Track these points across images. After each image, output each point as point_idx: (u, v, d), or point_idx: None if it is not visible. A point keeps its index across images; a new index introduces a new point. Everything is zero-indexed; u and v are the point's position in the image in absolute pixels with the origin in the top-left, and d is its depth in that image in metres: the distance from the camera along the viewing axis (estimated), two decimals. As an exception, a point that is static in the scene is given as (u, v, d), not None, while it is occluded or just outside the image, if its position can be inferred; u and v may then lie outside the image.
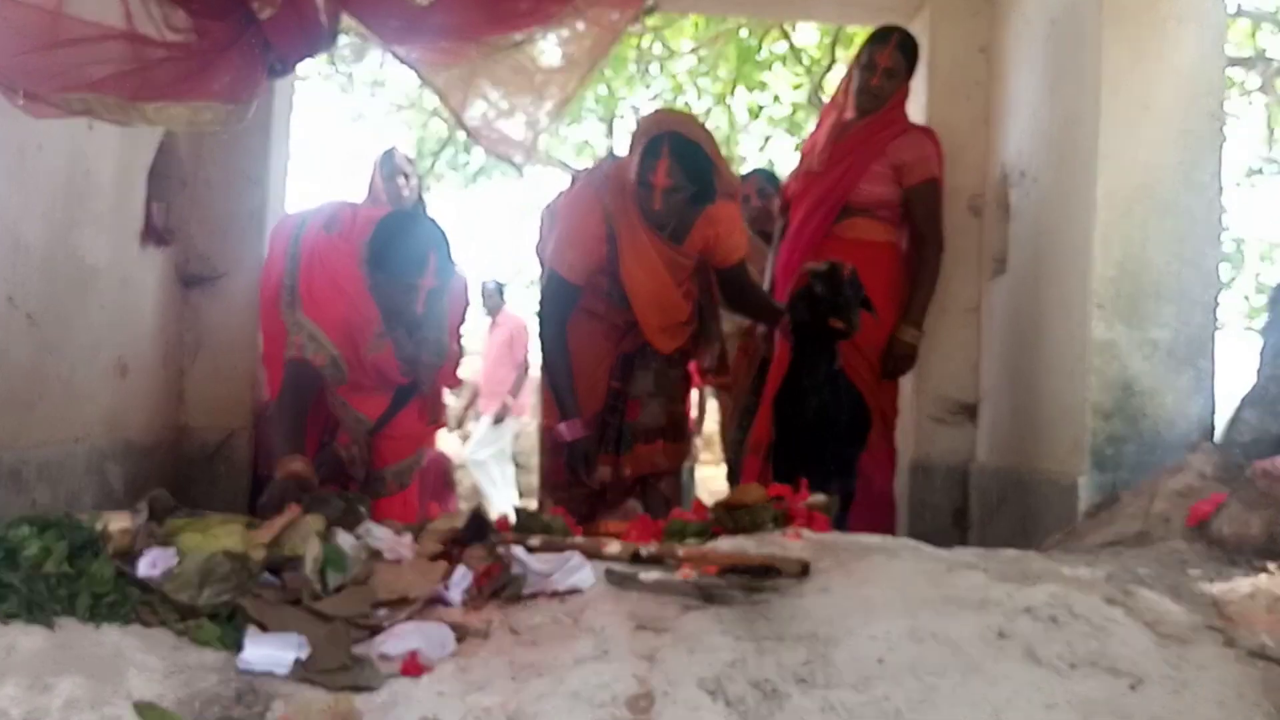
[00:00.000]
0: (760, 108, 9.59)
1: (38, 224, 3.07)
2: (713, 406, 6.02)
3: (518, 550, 2.35)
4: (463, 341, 3.76)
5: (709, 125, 4.34)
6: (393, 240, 3.24)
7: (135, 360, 3.76)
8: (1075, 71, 3.48)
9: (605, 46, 3.30)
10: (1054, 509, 3.32)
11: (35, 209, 3.06)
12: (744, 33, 8.57)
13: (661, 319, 3.64)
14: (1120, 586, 2.21)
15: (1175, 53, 3.24)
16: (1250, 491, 2.52)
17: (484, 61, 3.20)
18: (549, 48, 3.31)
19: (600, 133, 12.01)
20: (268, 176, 4.35)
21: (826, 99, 8.06)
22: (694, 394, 4.84)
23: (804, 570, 2.26)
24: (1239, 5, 7.79)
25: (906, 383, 4.16)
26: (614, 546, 2.45)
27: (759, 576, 2.25)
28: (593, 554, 2.41)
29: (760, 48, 8.64)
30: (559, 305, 3.64)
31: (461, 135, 10.32)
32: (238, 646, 1.95)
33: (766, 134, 9.98)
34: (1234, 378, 3.16)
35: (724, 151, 3.99)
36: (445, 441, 7.41)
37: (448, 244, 3.29)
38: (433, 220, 3.35)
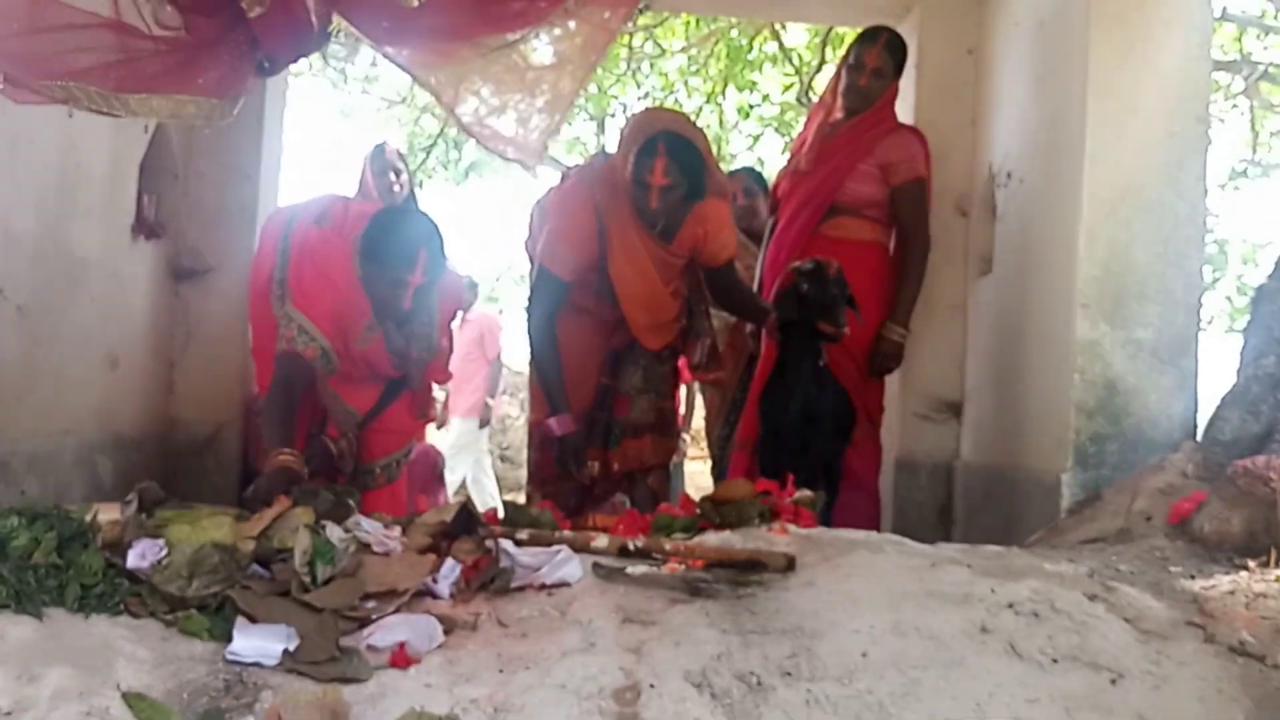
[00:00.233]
0: (750, 107, 9.59)
1: (29, 216, 3.07)
2: (700, 402, 6.02)
3: (506, 543, 2.36)
4: (453, 337, 3.76)
5: (699, 124, 4.35)
6: (385, 234, 3.25)
7: (125, 353, 3.76)
8: (1062, 74, 3.50)
9: (599, 45, 3.30)
10: (1037, 506, 3.34)
11: (26, 201, 3.06)
12: (734, 32, 8.58)
13: (650, 318, 3.65)
14: (1102, 583, 2.23)
15: (1161, 56, 3.26)
16: (1231, 490, 2.54)
17: (476, 60, 3.20)
18: (541, 46, 3.32)
19: (591, 130, 12.01)
20: (259, 171, 4.35)
21: (816, 99, 8.11)
22: (682, 390, 4.86)
23: (789, 565, 2.28)
24: (1224, 9, 7.83)
25: (892, 380, 4.18)
26: (602, 540, 2.47)
27: (745, 571, 2.27)
28: (581, 548, 2.42)
29: (751, 47, 8.65)
30: (548, 301, 3.65)
31: (453, 131, 10.33)
32: (227, 638, 1.96)
33: (756, 133, 9.99)
34: (1216, 378, 3.19)
35: (714, 151, 4.00)
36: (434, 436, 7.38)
37: (440, 241, 3.30)
38: (427, 217, 3.36)
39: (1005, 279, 3.97)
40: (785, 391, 3.65)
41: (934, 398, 4.36)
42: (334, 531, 2.33)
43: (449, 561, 2.31)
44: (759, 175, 5.13)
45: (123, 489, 2.85)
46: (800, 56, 8.55)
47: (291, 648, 1.93)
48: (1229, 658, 1.96)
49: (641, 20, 7.54)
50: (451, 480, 7.95)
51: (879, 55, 4.01)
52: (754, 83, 9.18)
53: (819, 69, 8.06)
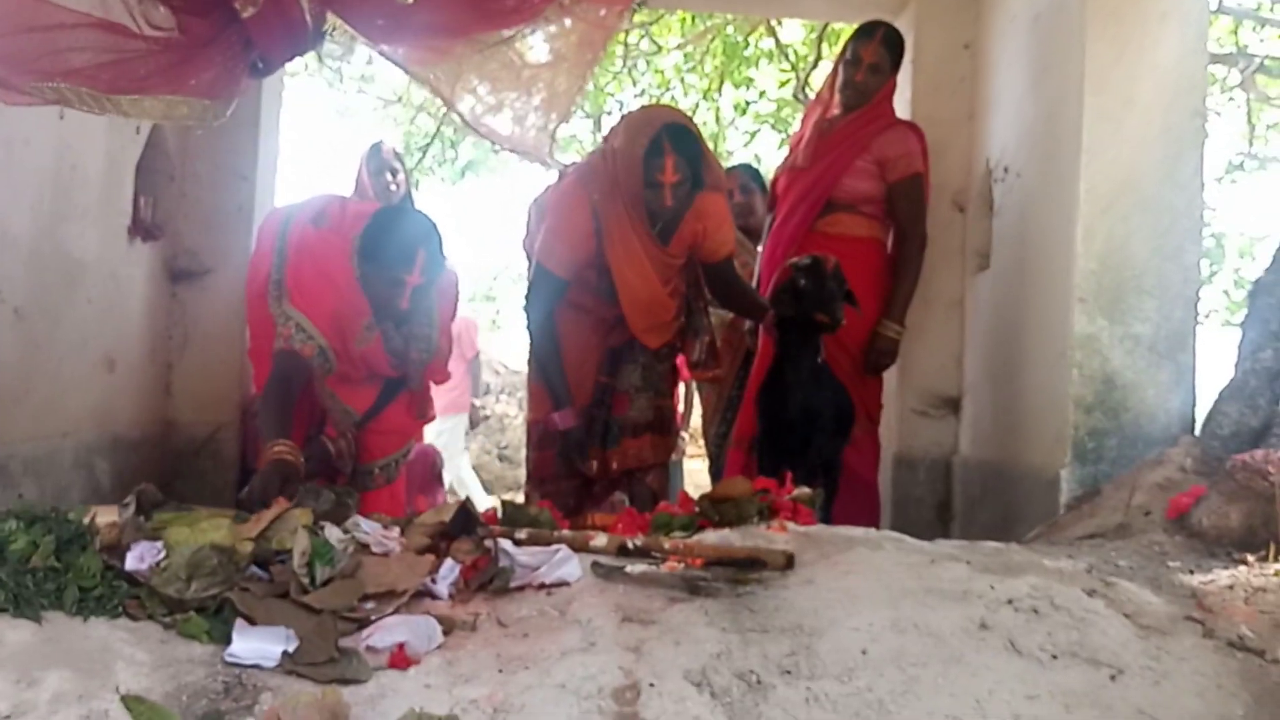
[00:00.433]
0: (747, 104, 9.58)
1: (24, 218, 3.07)
2: (697, 400, 6.02)
3: (505, 543, 2.36)
4: (452, 337, 3.75)
5: (695, 121, 4.34)
6: (384, 233, 3.25)
7: (123, 355, 3.76)
8: (1059, 68, 3.50)
9: (596, 43, 3.30)
10: (1036, 502, 3.35)
11: (22, 203, 3.05)
12: (731, 29, 8.58)
13: (649, 319, 3.65)
14: (1101, 578, 2.23)
15: (1158, 49, 3.26)
16: (1229, 484, 2.54)
17: (471, 58, 3.20)
18: (537, 44, 3.32)
19: (588, 128, 12.01)
20: (255, 171, 4.35)
21: (812, 95, 8.10)
22: (680, 388, 4.86)
23: (789, 563, 2.27)
24: (1220, 2, 7.81)
25: (890, 376, 4.18)
26: (601, 539, 2.46)
27: (744, 569, 2.27)
28: (580, 547, 2.42)
29: (747, 44, 8.65)
30: (546, 297, 3.65)
31: (449, 131, 10.33)
32: (226, 640, 1.96)
33: (753, 130, 9.98)
34: (1214, 372, 3.19)
35: (711, 148, 4.00)
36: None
37: (439, 241, 3.29)
38: (426, 217, 3.35)
39: (1003, 274, 3.97)
40: (784, 389, 3.65)
41: (932, 394, 4.36)
42: (333, 532, 2.32)
43: (448, 562, 2.31)
44: (756, 172, 5.13)
45: (121, 491, 2.86)
46: (796, 52, 8.55)
47: (290, 649, 1.92)
48: (1228, 652, 1.96)
49: (637, 17, 7.52)
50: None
51: (876, 51, 4.01)
52: (750, 79, 9.18)
53: (815, 65, 8.06)
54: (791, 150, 4.33)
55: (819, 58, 7.99)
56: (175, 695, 1.80)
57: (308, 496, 2.52)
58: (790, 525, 2.63)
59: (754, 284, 4.22)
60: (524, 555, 2.31)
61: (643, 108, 4.51)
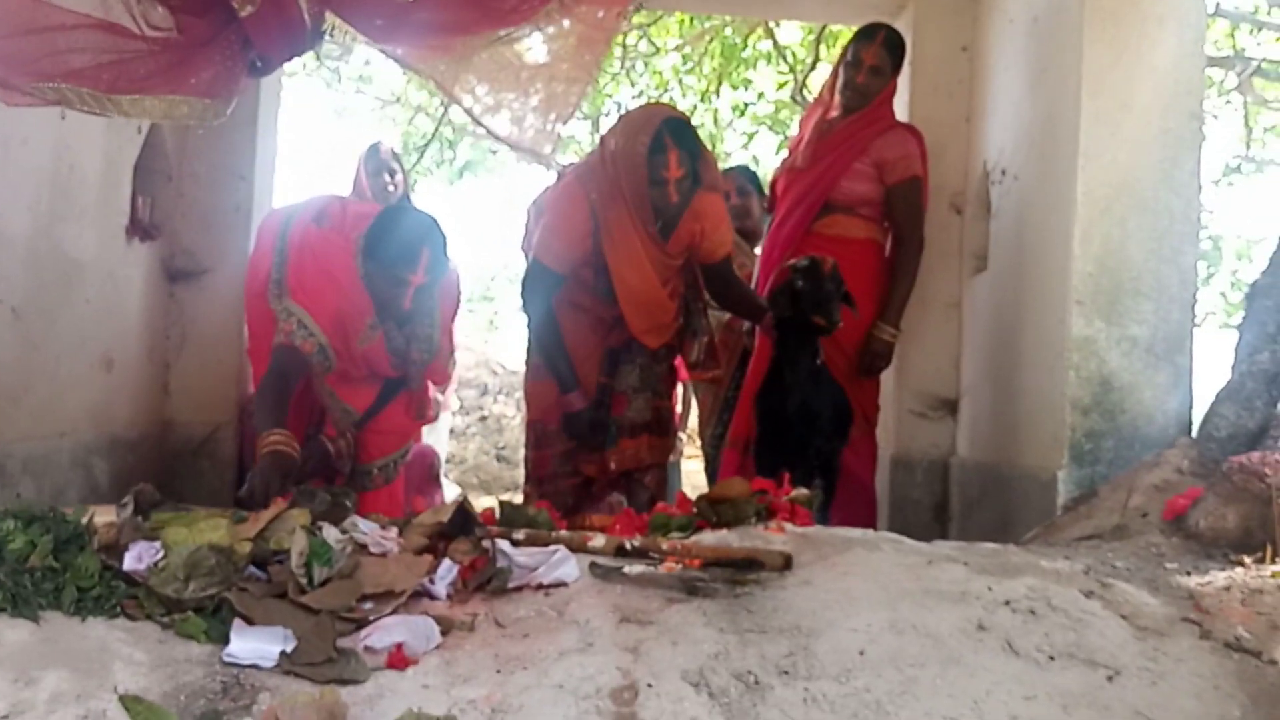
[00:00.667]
0: (745, 105, 9.59)
1: (22, 217, 3.07)
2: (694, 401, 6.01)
3: (503, 544, 2.36)
4: (454, 337, 3.76)
5: (693, 123, 4.34)
6: (389, 233, 3.25)
7: (121, 355, 3.76)
8: (1056, 70, 3.50)
9: (595, 45, 3.30)
10: (1033, 503, 3.35)
11: (20, 203, 3.05)
12: (729, 31, 8.58)
13: (648, 320, 3.65)
14: (1098, 579, 2.24)
15: (1155, 52, 3.26)
16: (1226, 486, 2.55)
17: (469, 57, 3.20)
18: (535, 45, 3.32)
19: (586, 129, 12.01)
20: (254, 171, 4.35)
21: (810, 97, 8.11)
22: (679, 389, 4.85)
23: (786, 563, 2.28)
24: (1218, 5, 7.83)
25: (888, 378, 4.18)
26: (599, 540, 2.46)
27: (742, 570, 2.27)
28: (578, 547, 2.42)
29: (745, 46, 8.65)
30: (542, 289, 3.66)
31: (448, 131, 10.32)
32: (224, 640, 1.96)
33: (751, 131, 9.98)
34: (1211, 374, 3.19)
35: (709, 149, 4.00)
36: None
37: (443, 242, 3.30)
38: (431, 217, 3.35)
39: (1000, 276, 3.97)
40: (782, 390, 3.65)
41: (930, 395, 4.37)
42: (331, 533, 2.32)
43: (446, 562, 2.31)
44: (752, 174, 5.13)
45: (119, 491, 2.86)
46: (794, 54, 8.55)
47: (289, 649, 1.93)
48: (1225, 653, 1.97)
49: (636, 18, 7.53)
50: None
51: (877, 53, 4.00)
52: (748, 81, 9.19)
53: (813, 67, 8.07)
54: (791, 151, 4.33)
55: (817, 59, 8.00)
56: (173, 695, 1.80)
57: (305, 497, 2.52)
58: (788, 526, 2.63)
59: (751, 285, 4.22)
60: (522, 556, 2.31)
61: (639, 107, 4.51)
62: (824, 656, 1.92)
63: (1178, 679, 1.88)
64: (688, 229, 3.59)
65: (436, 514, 2.51)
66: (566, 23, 3.25)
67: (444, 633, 2.05)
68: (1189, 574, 2.34)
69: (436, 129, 10.20)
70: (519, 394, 8.40)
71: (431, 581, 2.25)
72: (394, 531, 2.47)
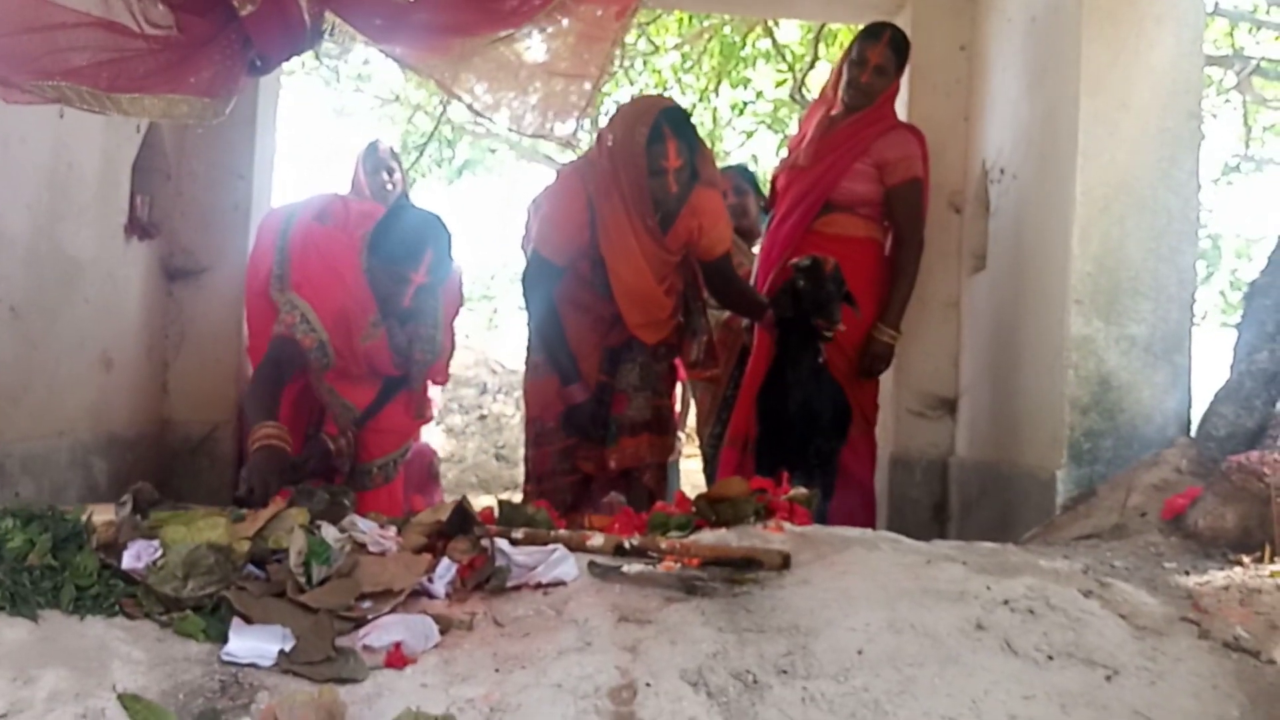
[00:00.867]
0: (744, 104, 9.60)
1: (21, 217, 3.07)
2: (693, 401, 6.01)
3: (502, 543, 2.36)
4: (455, 337, 3.75)
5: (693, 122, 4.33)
6: (395, 230, 3.25)
7: (119, 354, 3.76)
8: (1055, 70, 3.50)
9: (595, 45, 3.30)
10: (1032, 502, 3.35)
11: (19, 201, 3.05)
12: (728, 29, 8.59)
13: (644, 315, 3.65)
14: (1097, 579, 2.24)
15: (1154, 52, 3.26)
16: (1225, 485, 2.55)
17: (469, 57, 3.20)
18: (534, 43, 3.32)
19: (585, 128, 12.01)
20: (252, 170, 4.35)
21: (809, 96, 8.12)
22: (678, 388, 4.86)
23: (785, 563, 2.28)
24: (1216, 4, 7.83)
25: (887, 378, 4.18)
26: (597, 539, 2.46)
27: (741, 569, 2.27)
28: (576, 546, 2.42)
29: (744, 44, 8.65)
30: (543, 282, 3.67)
31: (446, 130, 10.32)
32: (222, 638, 1.96)
33: (750, 130, 9.99)
34: (1210, 373, 3.19)
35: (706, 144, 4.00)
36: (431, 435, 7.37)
37: (448, 242, 3.30)
38: (438, 218, 3.34)
39: (999, 275, 3.97)
40: (783, 389, 3.65)
41: (928, 394, 4.37)
42: (329, 532, 2.32)
43: (444, 561, 2.31)
44: (749, 173, 5.14)
45: (117, 490, 2.86)
46: (793, 53, 8.56)
47: (287, 648, 1.92)
48: (1224, 653, 1.96)
49: (635, 17, 7.53)
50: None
51: (882, 52, 3.99)
52: (747, 79, 9.19)
53: (812, 65, 8.08)
54: (792, 149, 4.31)
55: (816, 58, 8.01)
56: (172, 694, 1.80)
57: (303, 496, 2.52)
58: (787, 525, 2.63)
59: (750, 283, 4.22)
60: (521, 555, 2.31)
61: (636, 98, 4.51)
62: (822, 656, 1.92)
63: (1176, 678, 1.88)
64: (685, 225, 3.59)
65: (435, 513, 2.51)
66: (566, 22, 3.25)
67: (442, 632, 2.05)
68: (1188, 573, 2.34)
69: (435, 128, 10.20)
70: (518, 393, 8.39)
71: (430, 580, 2.25)
72: (393, 530, 2.47)
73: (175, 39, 2.74)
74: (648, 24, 8.46)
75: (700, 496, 2.80)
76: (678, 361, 3.99)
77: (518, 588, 2.26)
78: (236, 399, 4.26)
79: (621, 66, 9.18)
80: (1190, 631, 2.03)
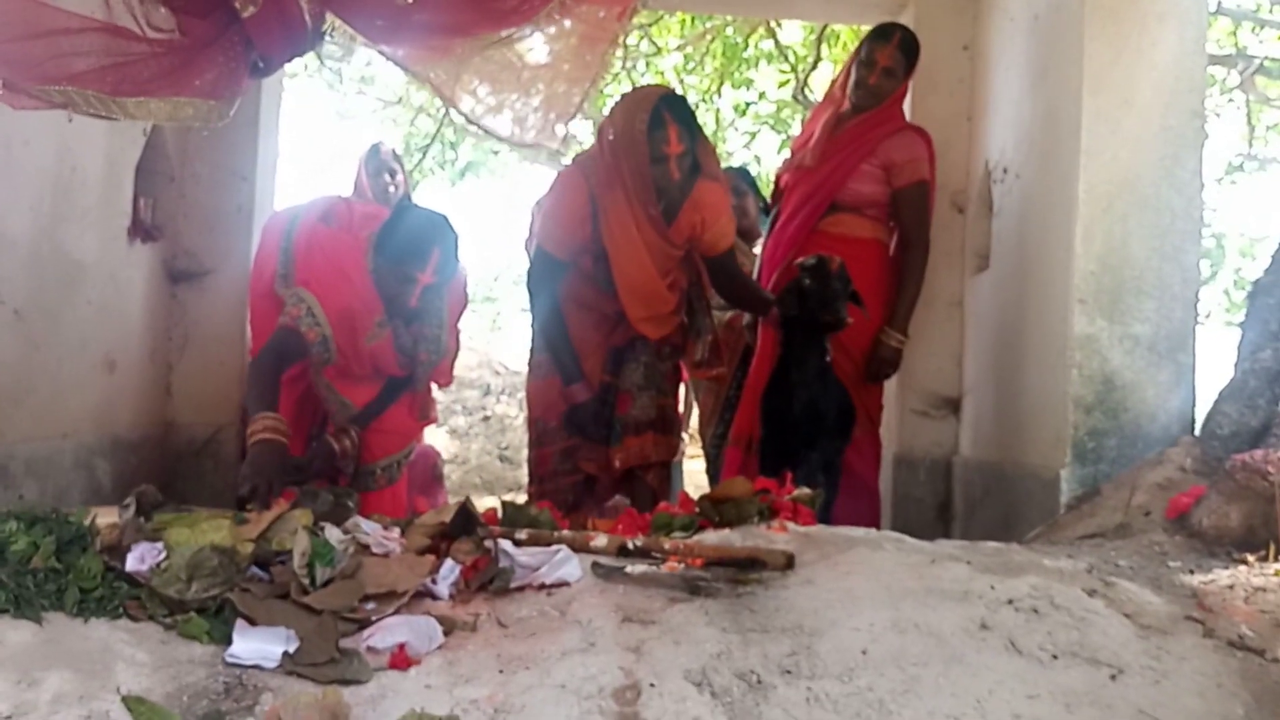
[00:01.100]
0: (746, 105, 9.60)
1: (25, 219, 3.07)
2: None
3: (505, 544, 2.36)
4: (460, 338, 3.76)
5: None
6: (402, 230, 3.26)
7: (123, 356, 3.76)
8: (1057, 69, 3.50)
9: (596, 46, 3.30)
10: (1036, 502, 3.35)
11: (22, 204, 3.06)
12: (730, 30, 8.59)
13: (647, 309, 3.65)
14: (1101, 578, 2.23)
15: (1156, 50, 3.26)
16: (1229, 484, 2.54)
17: (470, 58, 3.20)
18: (536, 45, 3.32)
19: (587, 129, 12.02)
20: (255, 172, 4.35)
21: (812, 96, 8.12)
22: (681, 388, 4.86)
23: (789, 563, 2.27)
24: (1219, 3, 7.82)
25: (891, 378, 4.18)
26: (601, 540, 2.46)
27: (744, 569, 2.27)
28: (580, 547, 2.42)
29: (746, 45, 8.66)
30: (547, 278, 3.68)
31: (449, 132, 10.32)
32: (226, 640, 1.96)
33: (753, 131, 9.99)
34: (1214, 372, 3.19)
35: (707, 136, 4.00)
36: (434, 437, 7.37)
37: (455, 243, 3.30)
38: (446, 218, 3.35)
39: (1002, 275, 3.97)
40: (788, 389, 3.65)
41: (932, 394, 4.37)
42: (333, 533, 2.33)
43: (448, 562, 2.32)
44: (748, 174, 5.13)
45: (121, 492, 2.86)
46: (796, 53, 8.56)
47: (291, 650, 1.93)
48: (1228, 652, 1.96)
49: (637, 18, 7.53)
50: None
51: (892, 54, 3.97)
52: (750, 80, 9.19)
53: (815, 66, 8.08)
54: (798, 149, 4.28)
55: (818, 59, 8.01)
56: (176, 696, 1.80)
57: (307, 498, 2.52)
58: (790, 525, 2.63)
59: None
60: (524, 556, 2.31)
61: (635, 89, 4.50)
62: (826, 656, 1.92)
63: (1181, 677, 1.88)
64: (688, 219, 3.59)
65: (439, 514, 2.51)
66: (568, 23, 3.26)
67: (446, 633, 2.05)
68: (1192, 572, 2.33)
69: (438, 130, 10.20)
70: (522, 394, 8.40)
71: (434, 582, 2.25)
72: (396, 532, 2.47)
73: (178, 42, 2.75)
74: (650, 25, 8.46)
75: (704, 497, 2.80)
76: (681, 362, 3.99)
77: (521, 589, 2.26)
78: (240, 401, 4.26)
79: (624, 68, 9.21)
80: (1195, 630, 2.03)
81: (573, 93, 3.44)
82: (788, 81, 8.58)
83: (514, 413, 9.49)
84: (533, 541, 2.44)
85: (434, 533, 2.43)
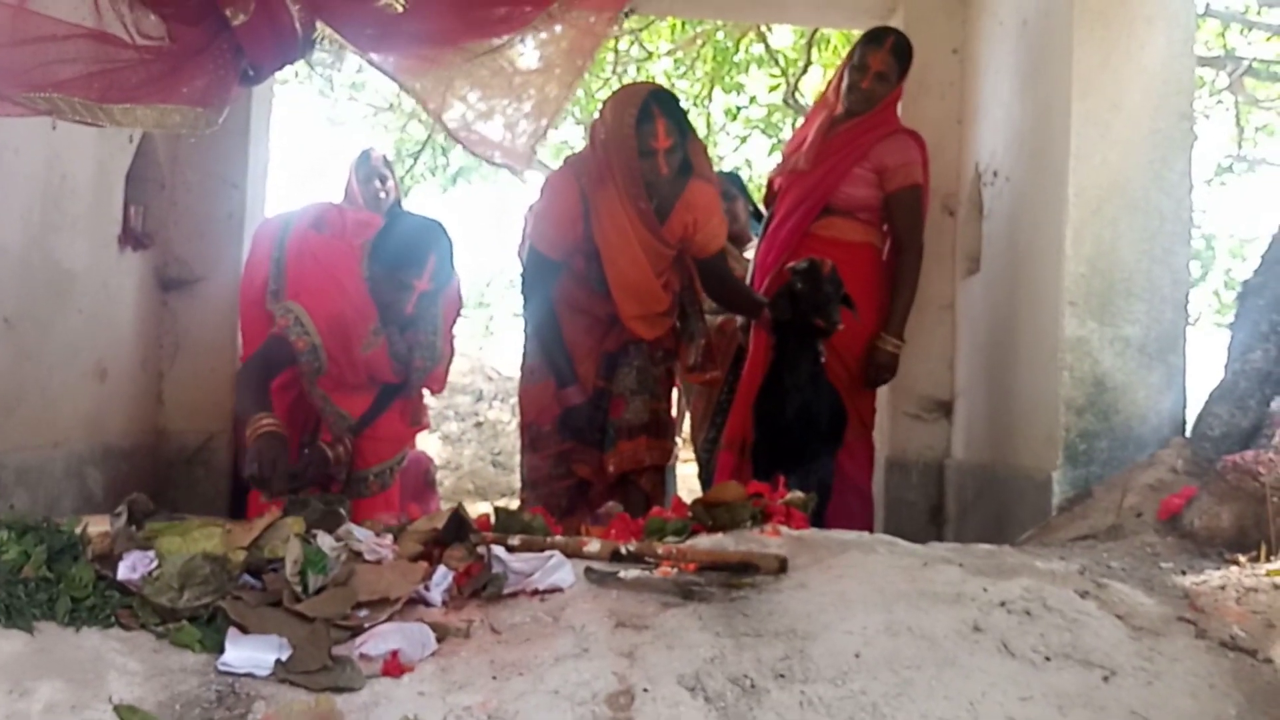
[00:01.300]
0: (737, 109, 9.61)
1: (14, 227, 3.07)
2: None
3: (498, 550, 2.36)
4: (454, 344, 3.76)
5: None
6: (399, 237, 3.26)
7: (114, 364, 3.75)
8: (1046, 72, 3.51)
9: (586, 49, 3.31)
10: (1028, 504, 3.35)
11: (12, 212, 3.05)
12: (720, 35, 8.60)
13: (640, 308, 3.65)
14: (1093, 580, 2.24)
15: (1145, 53, 3.27)
16: (1220, 485, 2.55)
17: (462, 66, 3.20)
18: (527, 50, 3.32)
19: (578, 134, 12.02)
20: (246, 179, 4.35)
21: (802, 100, 8.13)
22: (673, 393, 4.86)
23: (782, 567, 2.27)
24: (1208, 5, 7.85)
25: (888, 383, 4.18)
26: (594, 545, 2.46)
27: (737, 573, 2.27)
28: (573, 553, 2.42)
29: (737, 49, 8.67)
30: (540, 279, 3.70)
31: (440, 138, 10.32)
32: (218, 649, 1.95)
33: (743, 135, 10.00)
34: (1204, 373, 3.20)
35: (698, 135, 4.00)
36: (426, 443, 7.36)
37: (451, 249, 3.30)
38: (439, 224, 3.35)
39: (993, 278, 3.98)
40: (781, 393, 3.65)
41: (924, 397, 4.37)
42: (325, 540, 2.32)
43: (441, 569, 2.31)
44: (738, 178, 5.14)
45: (113, 501, 2.85)
46: (786, 58, 8.58)
47: (284, 658, 1.92)
48: (1220, 653, 1.97)
49: (627, 23, 7.55)
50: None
51: (885, 59, 3.96)
52: (740, 85, 9.21)
53: (805, 70, 8.10)
54: (790, 153, 4.27)
55: (809, 63, 8.02)
56: (168, 705, 1.80)
57: (299, 505, 2.51)
58: (783, 529, 2.63)
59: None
60: (517, 561, 2.31)
61: (625, 86, 4.51)
62: (820, 659, 1.92)
63: (1173, 678, 1.88)
64: (680, 219, 3.60)
65: (431, 520, 2.50)
66: (558, 28, 3.26)
67: (439, 639, 2.04)
68: (1184, 573, 2.34)
69: (429, 136, 10.20)
70: (514, 400, 8.38)
71: (427, 588, 2.25)
72: (389, 539, 2.46)
73: (167, 49, 2.74)
74: (641, 30, 8.48)
75: (696, 501, 2.79)
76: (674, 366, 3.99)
77: (514, 595, 2.26)
78: (232, 409, 4.26)
79: (615, 73, 9.22)
80: (1187, 631, 2.04)
81: (564, 97, 3.44)
82: (778, 86, 8.61)
83: (506, 418, 9.48)
84: (526, 547, 2.44)
85: (426, 539, 2.42)
